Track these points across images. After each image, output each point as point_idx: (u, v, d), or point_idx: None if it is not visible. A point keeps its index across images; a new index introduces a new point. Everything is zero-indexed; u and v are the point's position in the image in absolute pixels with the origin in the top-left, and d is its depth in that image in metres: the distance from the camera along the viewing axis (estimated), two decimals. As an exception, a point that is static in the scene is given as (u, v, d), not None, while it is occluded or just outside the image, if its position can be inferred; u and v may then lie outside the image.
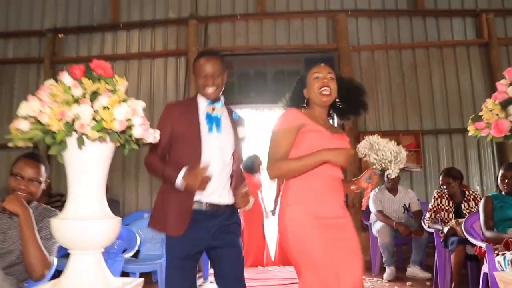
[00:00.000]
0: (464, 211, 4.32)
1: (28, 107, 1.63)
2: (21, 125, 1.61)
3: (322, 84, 2.14)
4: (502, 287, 2.00)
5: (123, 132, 1.66)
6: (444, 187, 4.42)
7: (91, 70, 1.75)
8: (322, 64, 2.26)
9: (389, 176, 2.10)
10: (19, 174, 2.14)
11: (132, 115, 1.64)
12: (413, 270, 4.92)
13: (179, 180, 2.12)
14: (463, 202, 4.38)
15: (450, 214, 4.34)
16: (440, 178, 4.51)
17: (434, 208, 4.42)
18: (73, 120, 1.58)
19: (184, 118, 2.29)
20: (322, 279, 1.94)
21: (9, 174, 2.17)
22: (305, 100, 2.26)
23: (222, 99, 2.38)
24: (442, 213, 4.38)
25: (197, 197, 2.20)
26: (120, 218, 1.79)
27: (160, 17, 6.70)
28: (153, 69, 6.56)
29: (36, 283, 1.98)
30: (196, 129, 2.26)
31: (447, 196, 4.41)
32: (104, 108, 1.58)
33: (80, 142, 1.60)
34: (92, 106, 1.60)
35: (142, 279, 1.87)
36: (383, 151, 2.04)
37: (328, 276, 1.94)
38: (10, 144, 1.73)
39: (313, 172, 2.05)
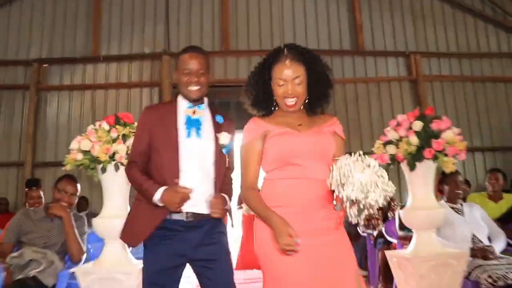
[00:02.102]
0: (390, 219, 5.39)
1: (81, 143, 2.52)
2: (78, 156, 2.50)
3: (286, 95, 1.88)
4: (393, 263, 2.96)
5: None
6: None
7: (119, 119, 2.63)
8: (288, 61, 1.88)
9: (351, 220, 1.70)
10: (63, 189, 2.98)
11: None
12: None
13: (157, 199, 1.94)
14: (389, 211, 5.46)
15: (380, 221, 5.40)
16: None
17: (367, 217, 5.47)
18: (113, 153, 2.48)
19: (162, 123, 2.07)
20: None
21: (53, 188, 3.02)
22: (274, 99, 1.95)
23: (206, 101, 2.18)
24: (373, 220, 5.43)
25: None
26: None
27: (137, 52, 7.61)
28: (130, 98, 7.42)
29: (76, 264, 2.82)
30: (173, 134, 2.04)
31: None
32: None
33: (117, 168, 2.50)
34: (124, 143, 2.51)
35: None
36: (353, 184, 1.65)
37: None
38: (64, 168, 2.62)
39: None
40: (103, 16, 7.69)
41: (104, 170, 2.55)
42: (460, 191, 3.43)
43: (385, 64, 7.88)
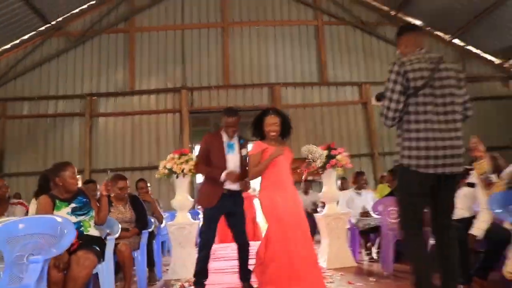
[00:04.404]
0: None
1: (166, 165, 5.35)
2: (165, 170, 5.34)
3: (271, 130, 3.60)
4: (318, 219, 5.77)
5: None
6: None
7: (182, 152, 5.44)
8: (273, 116, 3.62)
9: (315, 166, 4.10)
10: (141, 187, 5.76)
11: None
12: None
13: (223, 177, 3.74)
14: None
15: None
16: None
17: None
18: (182, 169, 5.30)
19: (215, 144, 3.88)
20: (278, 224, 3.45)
21: (136, 186, 5.83)
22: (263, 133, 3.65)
23: (236, 135, 3.94)
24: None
25: (225, 186, 3.79)
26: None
27: (161, 87, 10.42)
28: (158, 121, 10.24)
29: (160, 223, 5.62)
30: (222, 151, 3.86)
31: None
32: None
33: (184, 175, 5.32)
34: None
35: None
36: (316, 153, 3.88)
37: (280, 221, 3.45)
38: (157, 176, 5.46)
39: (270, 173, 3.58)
40: (136, 60, 10.48)
41: (177, 177, 5.35)
42: (361, 183, 6.23)
43: (343, 92, 10.76)
